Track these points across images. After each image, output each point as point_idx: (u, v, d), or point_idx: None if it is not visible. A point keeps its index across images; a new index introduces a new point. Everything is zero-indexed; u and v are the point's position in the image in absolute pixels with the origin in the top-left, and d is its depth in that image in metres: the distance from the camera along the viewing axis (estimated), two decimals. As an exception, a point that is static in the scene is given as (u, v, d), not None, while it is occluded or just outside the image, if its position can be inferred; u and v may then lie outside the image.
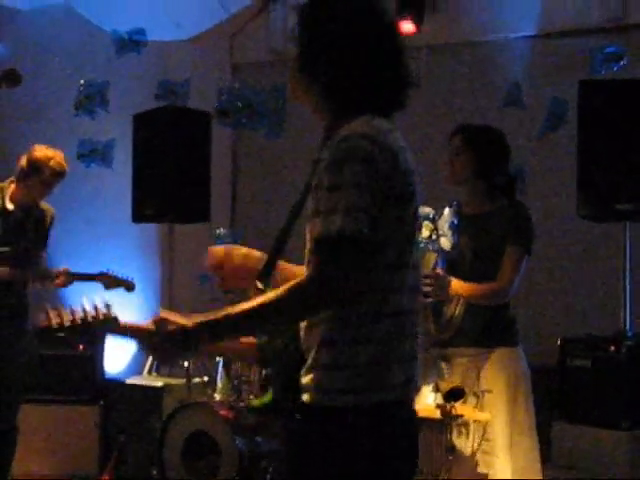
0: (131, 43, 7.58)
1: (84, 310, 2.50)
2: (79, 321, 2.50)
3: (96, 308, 2.51)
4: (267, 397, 2.59)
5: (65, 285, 5.94)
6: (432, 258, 4.27)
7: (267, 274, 2.67)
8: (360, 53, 2.56)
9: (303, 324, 2.54)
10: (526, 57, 7.18)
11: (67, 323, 2.49)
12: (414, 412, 2.63)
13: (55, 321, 2.49)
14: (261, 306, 2.44)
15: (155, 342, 2.52)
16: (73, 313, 2.50)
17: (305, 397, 2.49)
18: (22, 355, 5.81)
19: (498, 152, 4.55)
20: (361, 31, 2.56)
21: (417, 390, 2.64)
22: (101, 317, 2.51)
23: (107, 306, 2.53)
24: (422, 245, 4.20)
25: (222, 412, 5.47)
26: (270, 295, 2.45)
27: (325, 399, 2.47)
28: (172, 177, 7.21)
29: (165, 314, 2.53)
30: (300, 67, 2.64)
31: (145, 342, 2.56)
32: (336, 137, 2.48)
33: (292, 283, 2.44)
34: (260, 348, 2.66)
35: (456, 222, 4.39)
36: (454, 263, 4.42)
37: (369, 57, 2.56)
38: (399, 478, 2.56)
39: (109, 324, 2.52)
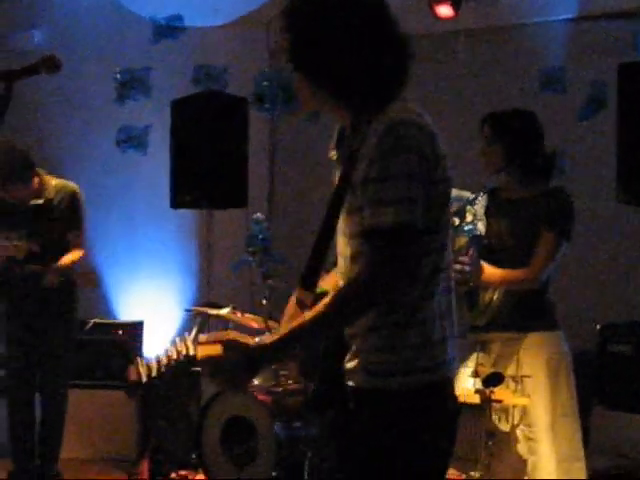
0: (168, 29, 7.59)
1: (167, 356, 2.56)
2: (164, 369, 2.56)
3: (177, 351, 2.57)
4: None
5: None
6: (462, 242, 4.25)
7: (311, 281, 2.55)
8: (360, 43, 2.50)
9: None
10: (566, 40, 7.12)
11: (154, 374, 2.57)
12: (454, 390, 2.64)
13: (145, 375, 2.57)
14: (327, 313, 2.42)
15: (226, 372, 2.51)
16: (158, 361, 2.56)
17: (352, 381, 2.50)
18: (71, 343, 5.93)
19: (530, 136, 4.49)
20: (352, 22, 2.50)
21: (456, 369, 2.65)
22: (182, 358, 2.56)
23: (187, 346, 2.58)
24: (467, 229, 4.19)
25: (260, 397, 5.48)
26: (331, 300, 2.43)
27: (375, 382, 2.48)
28: (210, 163, 7.23)
29: (232, 335, 2.54)
30: (305, 74, 2.58)
31: (217, 372, 2.54)
32: (374, 127, 2.45)
33: (350, 281, 2.44)
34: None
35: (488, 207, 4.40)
36: (493, 248, 4.41)
37: (371, 45, 2.51)
38: (445, 456, 2.60)
39: (189, 362, 2.57)
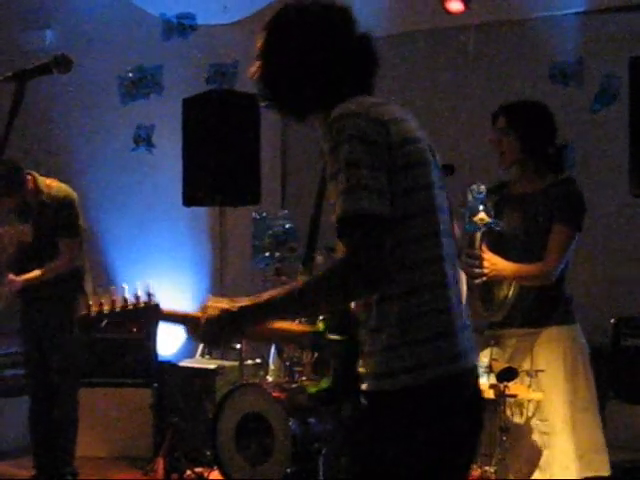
0: (179, 27, 7.60)
1: (124, 299, 2.52)
2: (118, 309, 2.52)
3: (137, 296, 2.53)
4: (324, 383, 2.60)
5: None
6: (478, 237, 4.25)
7: (308, 258, 2.71)
8: (325, 53, 2.62)
9: (361, 319, 2.54)
10: (577, 34, 7.10)
11: (106, 311, 2.52)
12: (476, 383, 2.63)
13: (94, 309, 2.52)
14: (301, 289, 2.46)
15: (201, 327, 2.56)
16: (113, 302, 2.52)
17: (364, 386, 2.50)
18: (75, 341, 5.89)
19: (544, 128, 4.49)
20: (316, 38, 2.65)
21: (475, 361, 2.62)
22: (142, 305, 2.53)
23: (149, 294, 2.55)
24: (492, 223, 4.20)
25: (275, 394, 5.49)
26: (310, 278, 2.51)
27: (382, 384, 2.47)
28: (222, 160, 7.22)
29: (212, 300, 2.56)
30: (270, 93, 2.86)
31: (192, 328, 2.61)
32: (327, 124, 2.50)
33: (328, 266, 2.50)
34: (314, 337, 2.68)
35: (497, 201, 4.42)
36: (505, 243, 4.40)
37: (334, 52, 2.61)
38: (463, 451, 2.58)
39: (151, 311, 2.55)
